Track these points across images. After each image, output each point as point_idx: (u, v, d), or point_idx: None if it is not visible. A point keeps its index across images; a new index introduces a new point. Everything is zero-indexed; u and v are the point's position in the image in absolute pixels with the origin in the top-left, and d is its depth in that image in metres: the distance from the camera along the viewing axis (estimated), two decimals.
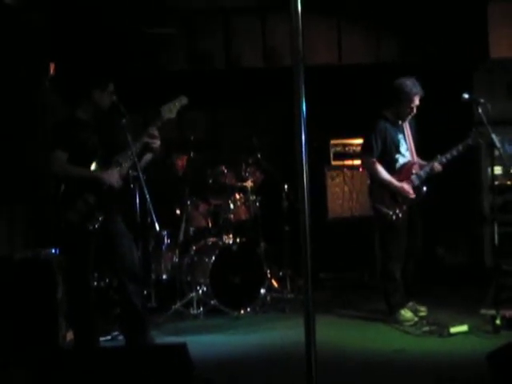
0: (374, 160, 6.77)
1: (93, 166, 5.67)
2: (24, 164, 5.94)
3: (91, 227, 5.56)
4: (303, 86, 2.92)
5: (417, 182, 6.75)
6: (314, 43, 8.48)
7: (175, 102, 5.83)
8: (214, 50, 8.92)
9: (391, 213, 6.68)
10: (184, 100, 5.87)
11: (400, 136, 6.82)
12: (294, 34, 2.91)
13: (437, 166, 6.75)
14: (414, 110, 6.75)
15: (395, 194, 6.71)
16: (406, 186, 6.69)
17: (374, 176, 6.85)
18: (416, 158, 6.85)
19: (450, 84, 8.23)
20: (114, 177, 5.62)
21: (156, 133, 5.75)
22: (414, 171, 6.77)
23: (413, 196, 6.70)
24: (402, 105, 6.74)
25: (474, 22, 8.38)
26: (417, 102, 6.71)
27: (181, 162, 8.44)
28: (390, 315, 6.82)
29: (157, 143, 5.76)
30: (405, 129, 6.84)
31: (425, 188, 6.77)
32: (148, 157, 5.83)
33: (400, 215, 6.68)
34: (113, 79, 5.80)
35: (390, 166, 6.78)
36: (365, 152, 6.98)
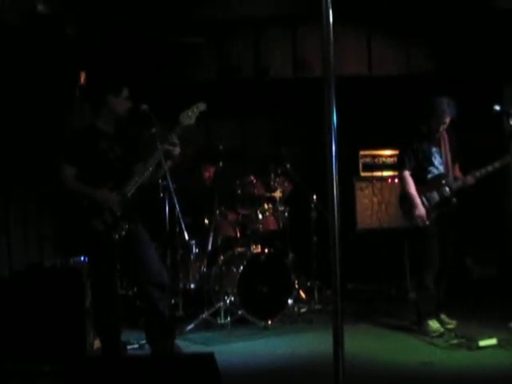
0: (407, 173, 6.87)
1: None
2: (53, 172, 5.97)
3: (117, 236, 5.58)
4: (334, 97, 2.90)
5: (447, 193, 6.76)
6: (344, 54, 8.49)
7: (193, 108, 5.82)
8: (243, 60, 8.94)
9: (419, 220, 6.70)
10: (202, 106, 5.86)
11: (434, 149, 6.85)
12: (325, 44, 2.89)
13: (470, 180, 6.78)
14: (441, 129, 6.77)
15: (423, 203, 6.73)
16: (422, 212, 6.71)
17: (402, 187, 6.94)
18: (451, 171, 6.86)
19: (481, 95, 8.19)
20: (111, 201, 5.61)
21: (176, 140, 5.74)
22: (443, 182, 6.77)
23: (425, 223, 6.73)
24: (432, 121, 6.79)
25: (505, 33, 8.33)
26: (446, 121, 6.75)
27: (208, 173, 8.46)
28: (418, 324, 6.81)
29: (176, 150, 5.74)
30: (441, 141, 6.85)
31: (455, 199, 6.78)
32: (168, 164, 5.79)
33: (427, 223, 6.71)
34: (128, 85, 5.81)
35: (423, 177, 6.84)
36: (398, 165, 7.15)
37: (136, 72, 8.30)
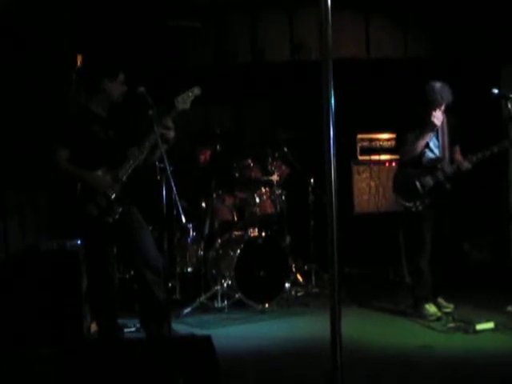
0: (403, 147, 6.88)
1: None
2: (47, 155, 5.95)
3: (111, 220, 5.57)
4: (332, 80, 2.88)
5: (441, 177, 6.73)
6: (341, 37, 8.46)
7: (189, 93, 5.80)
8: (240, 43, 8.91)
9: (411, 205, 6.72)
10: (197, 90, 5.84)
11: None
12: (323, 26, 2.87)
13: (465, 165, 6.72)
14: (437, 114, 6.74)
15: (416, 188, 6.73)
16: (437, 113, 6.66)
17: (415, 150, 6.78)
18: (449, 154, 6.83)
19: (478, 79, 8.17)
20: (106, 184, 5.59)
21: (171, 124, 5.73)
22: (438, 166, 6.75)
23: (438, 123, 6.66)
24: (428, 106, 6.73)
25: (503, 16, 8.29)
26: (442, 108, 6.71)
27: (204, 156, 8.44)
28: (414, 308, 6.83)
29: (171, 134, 5.72)
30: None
31: (448, 185, 6.75)
32: (163, 147, 5.76)
33: (420, 208, 6.71)
34: (124, 69, 5.79)
35: (417, 161, 6.81)
36: (396, 148, 7.31)
37: (132, 55, 8.26)
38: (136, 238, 5.75)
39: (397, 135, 7.20)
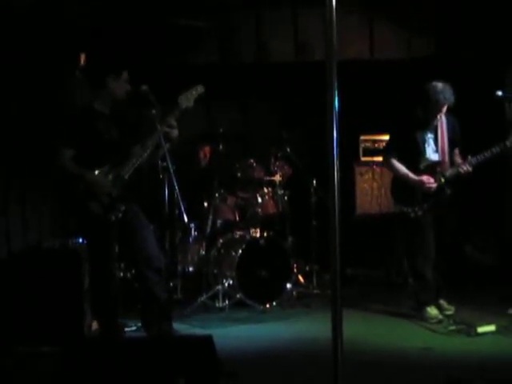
0: (391, 158, 6.83)
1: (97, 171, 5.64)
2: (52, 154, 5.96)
3: (114, 218, 5.57)
4: (336, 80, 2.88)
5: (440, 182, 6.67)
6: (345, 37, 8.41)
7: (192, 91, 5.81)
8: (244, 43, 8.90)
9: (410, 210, 6.66)
10: (201, 88, 5.85)
11: (429, 136, 6.76)
12: (327, 27, 2.86)
13: (465, 168, 6.63)
14: (438, 117, 6.70)
15: (415, 193, 6.67)
16: (425, 177, 6.64)
17: (394, 174, 6.93)
18: (448, 158, 6.77)
19: (482, 81, 8.14)
20: (107, 185, 5.58)
21: (174, 122, 5.72)
22: (437, 170, 6.70)
23: (433, 185, 6.63)
24: (429, 108, 6.69)
25: (508, 16, 8.26)
26: (443, 109, 6.65)
27: (203, 152, 8.42)
28: (417, 310, 6.82)
29: (175, 133, 5.72)
30: (438, 128, 6.76)
31: (448, 189, 6.69)
32: (166, 146, 5.75)
33: (420, 213, 6.64)
34: (128, 68, 5.78)
35: (414, 165, 6.75)
36: (385, 151, 7.16)
37: (136, 54, 8.25)
38: (138, 237, 5.74)
39: (390, 138, 7.17)
